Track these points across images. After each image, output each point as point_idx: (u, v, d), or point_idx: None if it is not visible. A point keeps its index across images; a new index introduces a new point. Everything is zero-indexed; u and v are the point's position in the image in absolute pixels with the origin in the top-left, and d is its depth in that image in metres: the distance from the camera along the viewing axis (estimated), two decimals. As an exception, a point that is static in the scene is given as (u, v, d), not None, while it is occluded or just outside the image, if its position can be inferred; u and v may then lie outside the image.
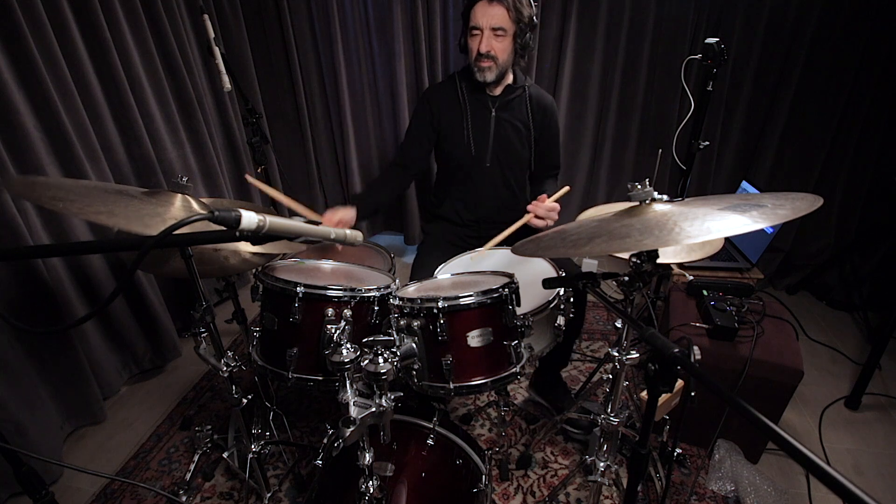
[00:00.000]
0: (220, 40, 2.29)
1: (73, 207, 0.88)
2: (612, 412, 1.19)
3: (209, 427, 1.67)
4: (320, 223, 1.48)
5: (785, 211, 0.77)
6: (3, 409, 1.47)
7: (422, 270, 1.63)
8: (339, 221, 1.50)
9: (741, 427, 1.59)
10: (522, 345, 1.18)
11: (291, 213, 1.62)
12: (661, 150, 1.81)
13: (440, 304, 1.06)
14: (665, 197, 0.95)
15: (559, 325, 1.31)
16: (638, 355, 1.12)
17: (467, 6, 1.54)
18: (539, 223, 1.50)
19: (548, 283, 1.12)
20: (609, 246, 0.85)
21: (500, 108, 1.67)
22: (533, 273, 1.45)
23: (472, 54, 1.57)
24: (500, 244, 1.53)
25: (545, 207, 1.49)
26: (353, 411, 0.88)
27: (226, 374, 1.24)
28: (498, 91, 1.66)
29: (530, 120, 1.69)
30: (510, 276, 1.21)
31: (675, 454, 1.61)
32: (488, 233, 1.82)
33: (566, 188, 1.57)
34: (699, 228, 0.77)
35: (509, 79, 1.66)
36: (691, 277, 1.79)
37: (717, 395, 0.58)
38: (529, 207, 1.51)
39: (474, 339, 1.10)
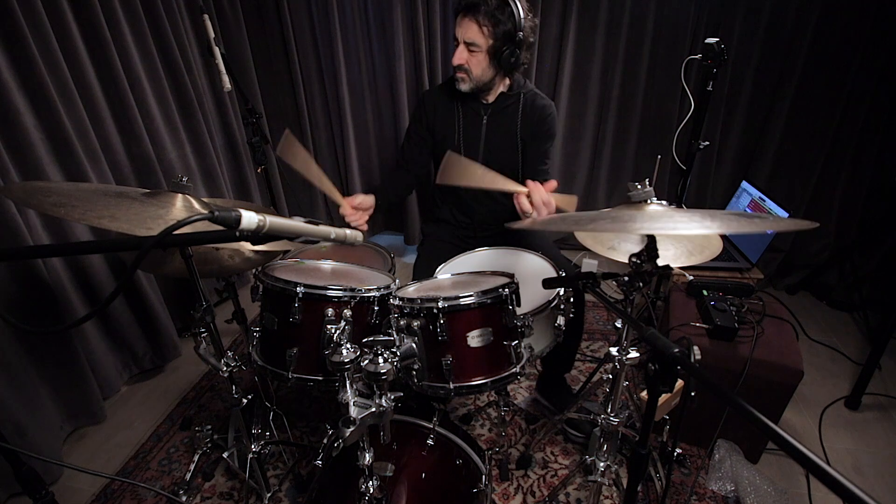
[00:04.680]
0: (220, 40, 2.29)
1: (76, 213, 0.88)
2: (612, 412, 1.19)
3: (209, 427, 1.67)
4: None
5: (784, 223, 0.77)
6: (3, 409, 1.47)
7: (425, 271, 1.63)
8: (359, 204, 1.55)
9: (741, 427, 1.59)
10: (522, 345, 1.18)
11: (292, 213, 1.62)
12: (659, 157, 1.79)
13: (440, 304, 1.06)
14: (664, 203, 0.96)
15: (559, 326, 1.32)
16: (638, 355, 1.12)
17: (454, 15, 1.54)
18: (526, 207, 1.30)
19: (548, 283, 1.12)
20: (611, 226, 0.85)
21: (492, 115, 1.66)
22: (533, 273, 1.45)
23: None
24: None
25: (543, 196, 1.28)
26: (353, 411, 0.88)
27: (226, 374, 1.24)
28: (491, 99, 1.65)
29: (518, 127, 1.65)
30: (510, 276, 1.21)
31: (675, 454, 1.61)
32: (484, 234, 1.82)
33: (574, 197, 1.30)
34: (699, 223, 0.77)
35: (503, 87, 1.64)
36: (691, 277, 1.79)
37: (717, 395, 0.58)
38: (529, 184, 1.30)
39: (474, 339, 1.10)
